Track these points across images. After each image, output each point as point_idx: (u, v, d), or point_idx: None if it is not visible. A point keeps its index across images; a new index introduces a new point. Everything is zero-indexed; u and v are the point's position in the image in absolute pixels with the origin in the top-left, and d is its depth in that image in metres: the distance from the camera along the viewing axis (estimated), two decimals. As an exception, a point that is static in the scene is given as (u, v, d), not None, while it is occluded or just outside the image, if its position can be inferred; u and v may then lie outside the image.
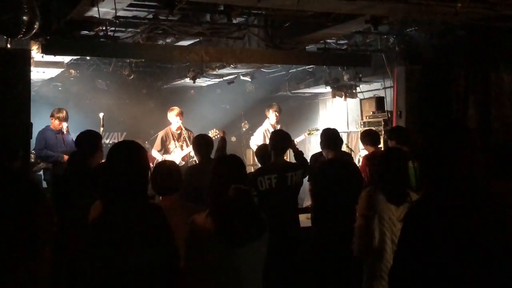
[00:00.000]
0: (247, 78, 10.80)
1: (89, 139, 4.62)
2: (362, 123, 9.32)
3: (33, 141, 6.64)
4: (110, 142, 11.12)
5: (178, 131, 8.18)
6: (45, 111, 8.24)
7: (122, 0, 5.46)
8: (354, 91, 10.09)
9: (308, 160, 5.89)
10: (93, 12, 5.80)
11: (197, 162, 5.75)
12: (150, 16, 6.78)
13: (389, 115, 8.60)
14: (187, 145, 7.99)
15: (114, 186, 2.91)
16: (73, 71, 10.01)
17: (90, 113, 9.79)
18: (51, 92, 10.84)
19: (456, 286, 2.24)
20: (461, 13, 5.51)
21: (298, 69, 10.70)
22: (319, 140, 5.65)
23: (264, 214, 3.03)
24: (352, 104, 10.69)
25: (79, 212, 3.49)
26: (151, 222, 2.90)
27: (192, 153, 6.93)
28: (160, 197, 3.87)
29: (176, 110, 8.15)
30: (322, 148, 5.59)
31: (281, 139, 5.20)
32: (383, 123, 8.65)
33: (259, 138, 8.81)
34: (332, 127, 5.73)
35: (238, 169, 3.10)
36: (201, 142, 5.60)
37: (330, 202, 5.12)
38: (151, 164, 5.10)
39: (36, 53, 6.81)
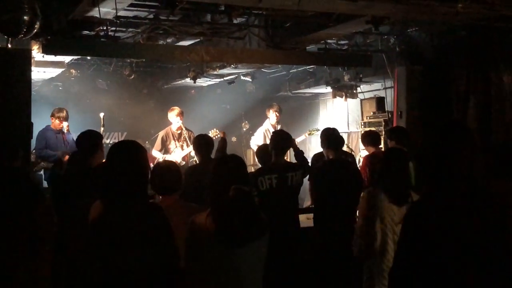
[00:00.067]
0: (248, 78, 10.81)
1: (89, 139, 4.61)
2: (362, 123, 9.32)
3: (33, 141, 6.64)
4: (111, 142, 11.10)
5: (179, 131, 8.18)
6: (45, 111, 8.25)
7: (123, 0, 5.46)
8: (354, 91, 10.09)
9: (310, 160, 5.89)
10: (94, 12, 5.80)
11: (198, 162, 5.75)
12: (151, 16, 6.79)
13: (390, 116, 8.60)
14: (187, 145, 7.99)
15: (114, 186, 2.91)
16: (73, 71, 10.01)
17: (90, 113, 9.79)
18: (51, 92, 10.85)
19: (456, 286, 2.24)
20: (461, 13, 5.51)
21: (299, 69, 10.69)
22: (319, 140, 5.65)
23: (264, 214, 3.03)
24: (353, 104, 10.69)
25: (79, 212, 3.48)
26: (151, 222, 2.90)
27: (193, 153, 6.93)
28: (160, 197, 3.87)
29: (176, 110, 8.15)
30: (322, 148, 5.59)
31: (281, 139, 5.21)
32: (383, 123, 8.65)
33: (259, 138, 8.81)
34: (332, 127, 5.73)
35: (239, 169, 3.09)
36: (201, 142, 5.60)
37: (330, 202, 5.12)
38: (151, 164, 5.11)
39: (36, 53, 6.81)
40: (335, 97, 10.42)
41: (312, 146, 11.16)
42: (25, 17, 5.33)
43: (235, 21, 6.89)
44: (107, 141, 10.63)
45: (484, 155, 2.50)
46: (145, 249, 2.84)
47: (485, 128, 7.06)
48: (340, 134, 5.68)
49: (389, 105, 9.04)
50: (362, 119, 9.52)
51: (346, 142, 7.46)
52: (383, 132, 8.28)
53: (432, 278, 2.25)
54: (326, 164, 5.45)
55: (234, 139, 11.61)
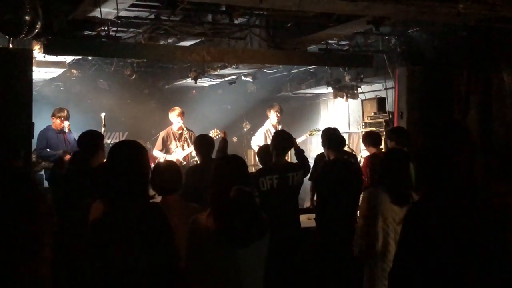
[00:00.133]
0: (249, 79, 10.81)
1: (90, 139, 4.62)
2: (363, 123, 9.32)
3: (34, 141, 6.65)
4: (112, 142, 11.11)
5: (180, 131, 8.18)
6: (46, 111, 8.26)
7: (124, 1, 5.47)
8: (355, 91, 10.08)
9: (311, 160, 5.89)
10: (95, 12, 5.81)
11: (198, 162, 5.76)
12: (152, 16, 6.80)
13: (391, 116, 8.60)
14: (188, 145, 7.99)
15: (115, 186, 2.91)
16: (75, 71, 10.02)
17: (91, 113, 9.80)
18: (52, 92, 10.87)
19: (456, 286, 2.24)
20: (462, 14, 5.51)
21: (300, 69, 10.69)
22: (320, 140, 5.65)
23: (265, 214, 3.03)
24: (354, 104, 10.68)
25: (79, 212, 3.49)
26: (151, 222, 2.90)
27: (193, 153, 6.94)
28: (161, 197, 3.87)
29: (177, 110, 8.16)
30: (323, 148, 5.59)
31: (282, 140, 5.21)
32: (384, 123, 8.65)
33: (260, 138, 8.81)
34: (332, 127, 5.73)
35: (240, 169, 3.09)
36: (202, 142, 5.61)
37: (331, 202, 5.13)
38: (152, 164, 5.11)
39: (38, 53, 6.81)
40: (336, 98, 10.42)
41: (313, 146, 11.16)
42: (26, 17, 5.34)
43: (236, 22, 6.89)
44: (108, 141, 10.63)
45: (485, 155, 2.51)
46: (145, 249, 2.85)
47: (486, 129, 7.06)
48: (341, 134, 5.69)
49: (390, 105, 9.04)
50: (363, 120, 9.52)
51: (347, 142, 7.46)
52: (384, 133, 8.28)
53: (432, 278, 2.26)
54: (327, 164, 5.45)
55: (235, 139, 11.61)
